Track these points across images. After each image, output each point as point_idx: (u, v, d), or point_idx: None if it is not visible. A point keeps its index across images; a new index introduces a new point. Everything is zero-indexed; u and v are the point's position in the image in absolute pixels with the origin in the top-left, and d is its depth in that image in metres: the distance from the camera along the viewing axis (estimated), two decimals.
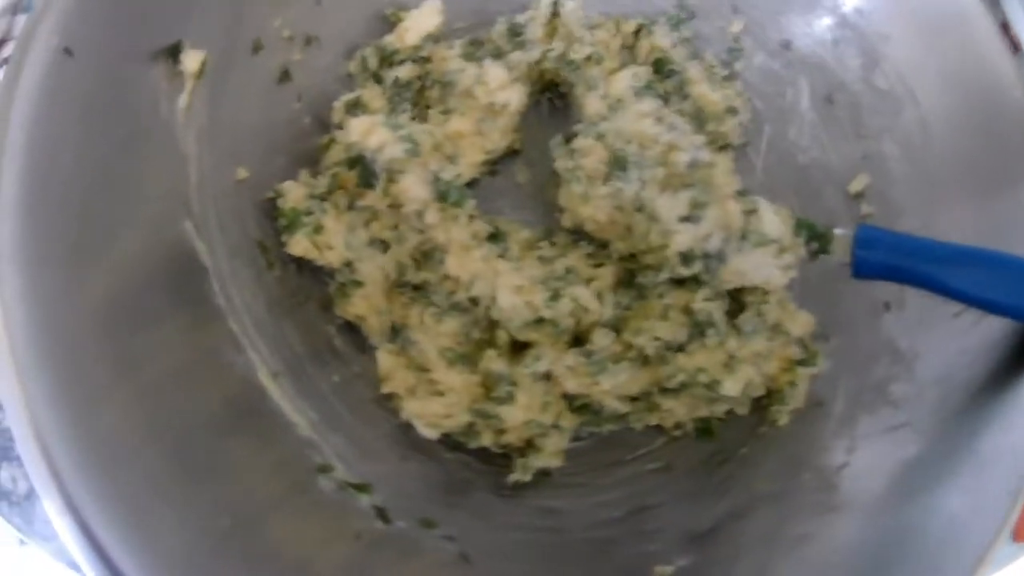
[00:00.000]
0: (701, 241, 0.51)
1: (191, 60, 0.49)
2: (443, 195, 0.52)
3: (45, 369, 0.39)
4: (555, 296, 0.53)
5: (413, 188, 0.51)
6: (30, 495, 0.59)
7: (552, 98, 0.64)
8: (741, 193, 0.52)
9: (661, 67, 0.61)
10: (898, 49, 0.59)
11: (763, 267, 0.52)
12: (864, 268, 0.51)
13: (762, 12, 0.63)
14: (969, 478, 0.47)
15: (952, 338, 0.53)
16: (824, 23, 0.62)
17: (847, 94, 0.61)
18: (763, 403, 0.57)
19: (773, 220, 0.52)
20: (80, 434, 0.39)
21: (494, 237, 0.56)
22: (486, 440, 0.54)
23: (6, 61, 0.61)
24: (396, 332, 0.55)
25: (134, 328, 0.44)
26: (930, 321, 0.54)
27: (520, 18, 0.60)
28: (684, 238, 0.51)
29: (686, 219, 0.51)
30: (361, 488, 0.50)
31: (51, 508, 0.38)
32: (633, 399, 0.56)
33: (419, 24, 0.58)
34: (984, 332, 0.51)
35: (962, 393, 0.51)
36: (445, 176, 0.52)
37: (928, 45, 0.58)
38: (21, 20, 0.65)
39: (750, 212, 0.51)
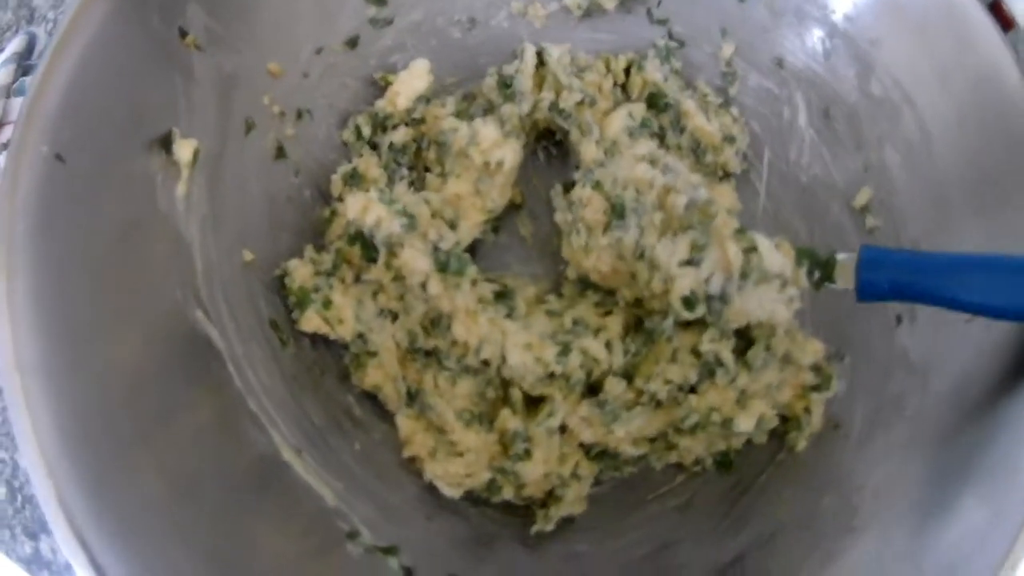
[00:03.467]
0: (703, 284, 0.51)
1: (183, 149, 0.50)
2: (443, 265, 0.52)
3: (79, 474, 0.40)
4: (565, 350, 0.54)
5: (413, 261, 0.52)
6: (69, 565, 0.59)
7: (548, 146, 0.64)
8: (740, 231, 0.52)
9: (656, 101, 0.61)
10: (890, 53, 0.58)
11: (767, 303, 0.52)
12: (869, 291, 0.50)
13: (752, 31, 0.62)
14: (986, 486, 0.47)
15: (965, 345, 0.52)
16: (815, 35, 0.61)
17: (844, 106, 0.61)
18: (780, 430, 0.58)
19: (773, 256, 0.51)
20: (109, 515, 0.40)
21: (500, 295, 0.56)
22: (508, 494, 0.55)
23: (4, 147, 0.63)
24: (413, 397, 0.56)
25: (156, 418, 0.45)
26: (943, 330, 0.54)
27: (509, 69, 0.60)
28: (685, 283, 0.51)
29: (687, 263, 0.52)
30: (388, 551, 0.51)
31: None
32: (650, 440, 0.57)
33: (409, 86, 0.58)
34: (997, 336, 0.51)
35: (977, 401, 0.50)
36: (444, 246, 0.53)
37: (920, 43, 0.57)
38: (14, 104, 0.65)
39: (749, 250, 0.51)
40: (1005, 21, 0.70)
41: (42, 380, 0.41)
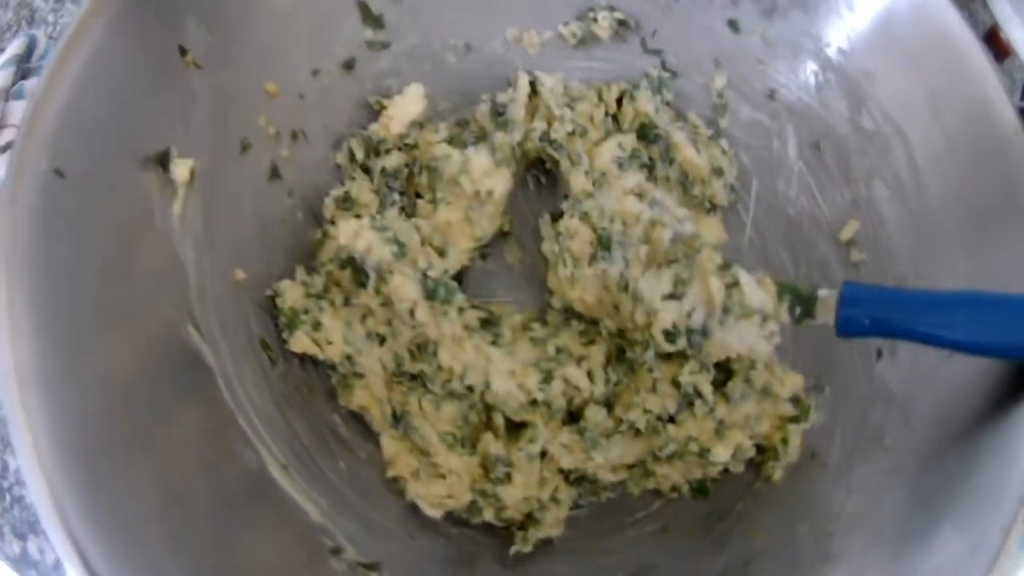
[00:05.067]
0: (684, 318, 0.52)
1: (180, 169, 0.51)
2: (432, 293, 0.53)
3: (77, 489, 0.41)
4: (547, 378, 0.55)
5: (402, 288, 0.53)
6: (57, 565, 0.61)
7: (538, 175, 0.65)
8: (724, 266, 0.53)
9: (646, 132, 0.62)
10: (883, 86, 0.59)
11: (747, 338, 0.52)
12: (849, 327, 0.51)
13: (745, 63, 0.63)
14: (964, 517, 0.47)
15: (945, 379, 0.53)
16: (808, 68, 0.61)
17: (834, 139, 0.61)
18: (757, 460, 0.59)
19: (755, 291, 0.52)
20: (103, 521, 0.41)
21: (486, 322, 0.57)
22: (488, 516, 0.56)
23: (1, 150, 0.63)
24: (398, 419, 0.57)
25: (149, 430, 0.46)
26: (923, 365, 0.54)
27: (502, 97, 0.61)
28: (668, 316, 0.52)
29: (670, 296, 0.52)
30: (371, 567, 0.52)
31: None
32: (629, 467, 0.58)
33: (403, 111, 0.59)
34: (977, 371, 0.51)
35: (956, 432, 0.51)
36: (433, 273, 0.54)
37: (912, 77, 0.57)
38: (12, 107, 0.65)
39: (732, 285, 0.52)
40: (1001, 49, 0.70)
41: (40, 389, 0.41)
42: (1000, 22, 0.69)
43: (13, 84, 0.67)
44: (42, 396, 0.41)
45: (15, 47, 0.69)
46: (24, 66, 0.69)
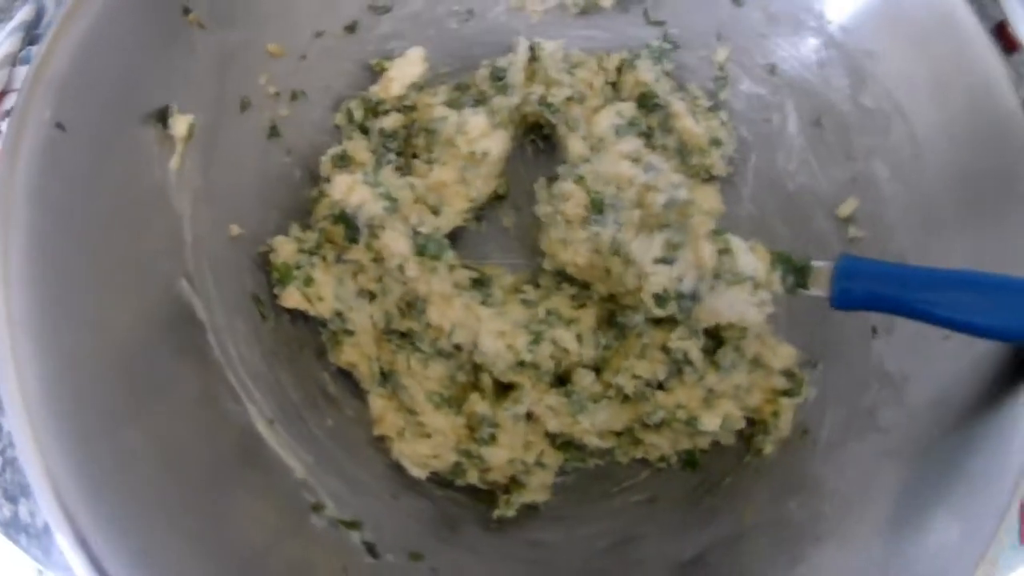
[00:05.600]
0: (675, 282, 0.52)
1: (179, 124, 0.51)
2: (422, 249, 0.54)
3: (57, 418, 0.42)
4: (536, 339, 0.55)
5: (393, 243, 0.53)
6: (47, 528, 0.61)
7: (536, 140, 0.65)
8: (717, 232, 0.53)
9: (645, 101, 0.62)
10: (885, 64, 0.58)
11: (738, 305, 0.52)
12: (844, 300, 0.50)
13: (747, 37, 0.63)
14: (959, 501, 0.47)
15: (942, 361, 0.52)
16: (810, 44, 0.61)
17: (835, 115, 0.61)
18: (747, 433, 0.58)
19: (747, 258, 0.52)
20: (90, 477, 0.41)
21: (478, 282, 0.57)
22: (472, 478, 0.56)
23: (7, 114, 0.64)
24: (386, 377, 0.57)
25: (139, 384, 0.46)
26: (920, 345, 0.54)
27: (502, 62, 0.61)
28: (658, 280, 0.52)
29: (661, 260, 0.52)
30: (352, 525, 0.52)
31: (64, 544, 0.40)
32: (617, 434, 0.58)
33: (404, 73, 0.59)
34: (975, 353, 0.51)
35: (952, 415, 0.51)
36: (424, 230, 0.54)
37: (915, 57, 0.57)
38: (19, 72, 0.66)
39: (724, 251, 0.52)
40: (1009, 43, 0.70)
41: (31, 335, 0.42)
42: (1008, 16, 0.69)
43: (21, 50, 0.68)
44: (33, 343, 0.42)
45: (24, 13, 0.70)
46: (33, 32, 0.70)
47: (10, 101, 0.66)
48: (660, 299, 0.52)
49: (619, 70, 0.63)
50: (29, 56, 0.67)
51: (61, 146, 0.45)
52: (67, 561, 0.60)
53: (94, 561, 0.40)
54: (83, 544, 0.40)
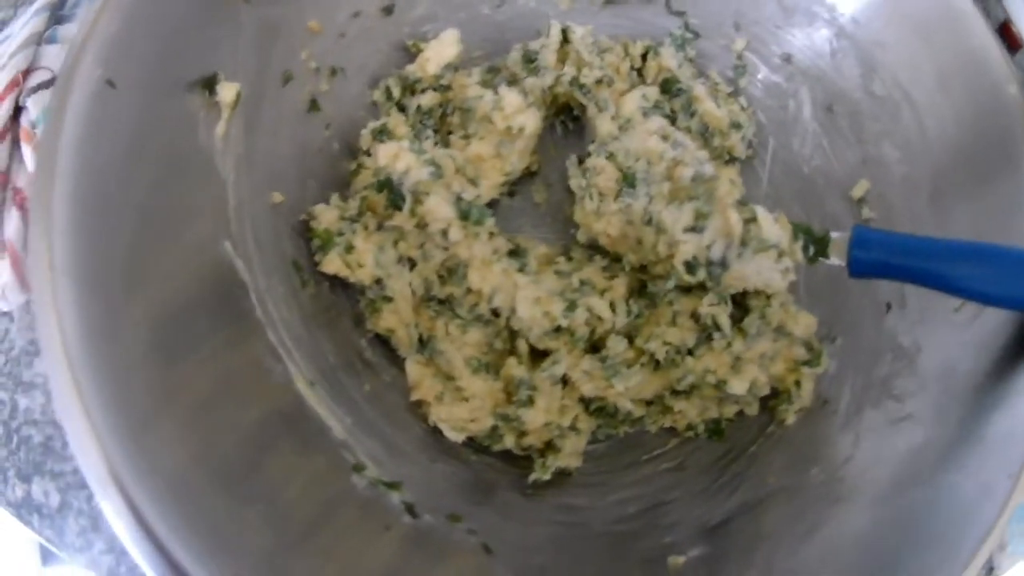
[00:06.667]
0: (704, 250, 0.54)
1: (226, 92, 0.52)
2: (465, 214, 0.55)
3: (101, 380, 0.41)
4: (571, 307, 0.57)
5: (437, 208, 0.54)
6: (62, 508, 0.60)
7: (566, 120, 0.68)
8: (742, 202, 0.55)
9: (669, 86, 0.65)
10: (894, 55, 0.62)
11: (764, 271, 0.54)
12: (860, 268, 0.53)
13: (763, 28, 0.66)
14: (973, 463, 0.49)
15: (953, 332, 0.55)
16: (823, 34, 0.65)
17: (847, 102, 0.64)
18: (771, 403, 0.60)
19: (772, 226, 0.54)
20: (137, 439, 0.41)
21: (514, 253, 0.59)
22: (508, 443, 0.57)
23: (32, 90, 0.65)
24: (424, 343, 0.59)
25: (183, 340, 0.47)
26: (931, 317, 0.57)
27: (534, 45, 0.64)
28: (688, 248, 0.54)
29: (691, 229, 0.54)
30: (392, 486, 0.53)
31: (109, 509, 0.39)
32: (647, 403, 0.59)
33: (439, 54, 0.62)
34: (984, 324, 0.53)
35: (964, 383, 0.53)
36: (467, 196, 0.56)
37: (922, 49, 0.60)
38: (45, 51, 0.66)
39: (750, 220, 0.54)
40: (1013, 41, 0.73)
41: (73, 282, 0.41)
42: (1012, 15, 0.71)
43: (46, 29, 0.69)
44: (74, 289, 0.41)
45: None
46: (58, 13, 0.71)
47: (35, 78, 0.67)
48: (690, 266, 0.54)
49: (644, 57, 0.66)
50: (55, 35, 0.67)
51: (110, 103, 0.46)
52: (82, 542, 0.60)
53: (143, 525, 0.40)
54: (121, 490, 0.40)
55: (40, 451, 0.61)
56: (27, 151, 0.63)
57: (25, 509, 0.61)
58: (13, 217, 0.63)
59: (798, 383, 0.59)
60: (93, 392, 0.40)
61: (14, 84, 0.64)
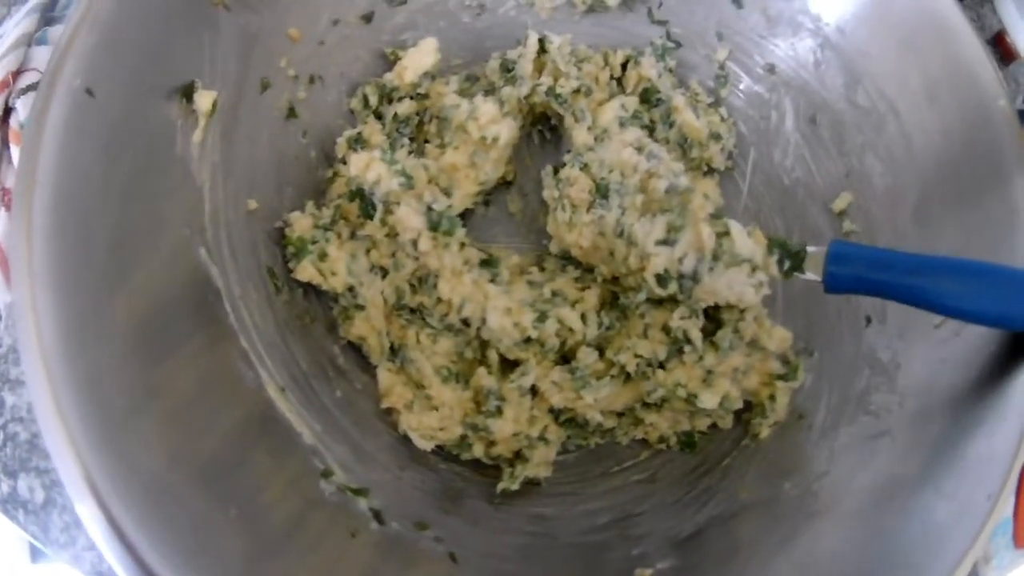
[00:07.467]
0: (676, 263, 0.54)
1: (203, 100, 0.53)
2: (435, 224, 0.55)
3: (78, 383, 0.41)
4: (542, 317, 0.57)
5: (407, 218, 0.55)
6: (46, 504, 0.61)
7: (543, 130, 0.68)
8: (716, 216, 0.55)
9: (648, 96, 0.64)
10: (879, 65, 0.61)
11: (736, 286, 0.54)
12: (836, 283, 0.52)
13: (747, 38, 0.66)
14: (950, 484, 0.48)
15: (933, 348, 0.54)
16: (807, 44, 0.64)
17: (830, 113, 0.63)
18: (745, 417, 0.60)
19: (745, 240, 0.53)
20: (112, 443, 0.41)
21: (486, 263, 0.59)
22: (478, 452, 0.58)
23: (22, 92, 0.65)
24: (395, 351, 0.59)
25: (157, 345, 0.47)
26: (911, 333, 0.56)
27: (512, 54, 0.64)
28: (660, 260, 0.54)
29: (663, 242, 0.54)
30: (359, 492, 0.53)
31: (85, 513, 0.40)
32: (618, 415, 0.59)
33: (417, 62, 0.62)
34: (966, 341, 0.53)
35: (943, 401, 0.52)
36: (437, 207, 0.56)
37: (909, 59, 0.59)
38: (35, 52, 0.67)
39: (722, 234, 0.53)
40: (1007, 53, 0.72)
41: (51, 287, 0.42)
42: (1007, 26, 0.71)
43: (37, 31, 0.70)
44: (52, 294, 0.42)
45: None
46: (48, 14, 0.71)
47: (25, 80, 0.68)
48: (662, 279, 0.54)
49: (623, 66, 0.66)
50: (45, 37, 0.68)
51: (89, 111, 0.46)
52: (66, 538, 0.61)
53: (105, 510, 0.40)
54: (96, 494, 0.40)
55: (26, 448, 0.62)
56: (16, 152, 0.64)
57: (11, 505, 0.62)
58: (2, 218, 0.64)
59: (773, 397, 0.59)
60: (69, 395, 0.41)
61: (3, 85, 0.65)
